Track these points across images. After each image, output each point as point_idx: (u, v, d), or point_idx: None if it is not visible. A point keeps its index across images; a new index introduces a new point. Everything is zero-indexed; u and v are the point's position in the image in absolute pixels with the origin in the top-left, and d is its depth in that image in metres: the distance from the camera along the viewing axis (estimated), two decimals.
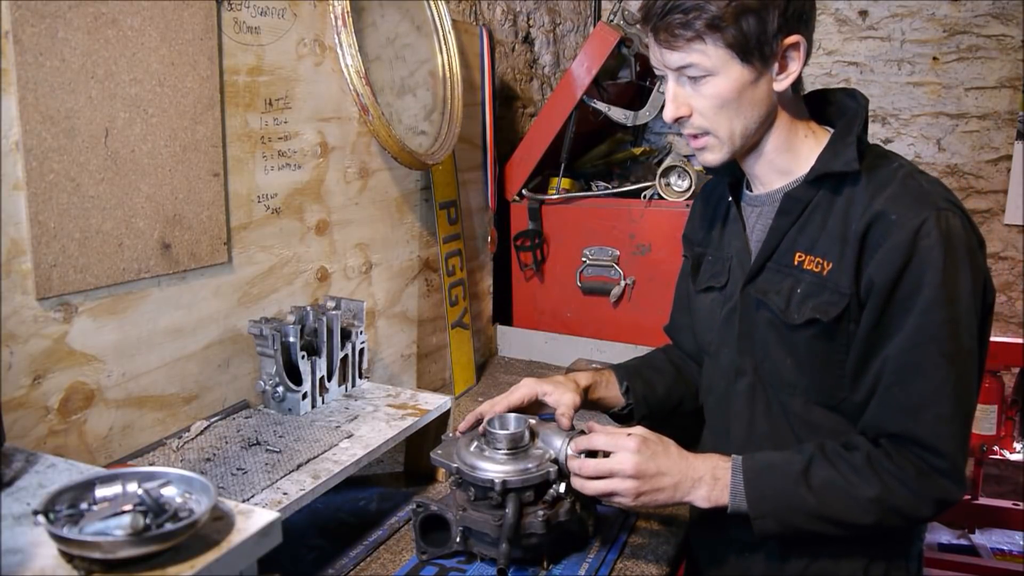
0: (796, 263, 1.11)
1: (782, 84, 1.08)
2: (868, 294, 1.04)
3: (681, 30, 1.04)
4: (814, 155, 1.13)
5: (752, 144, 1.14)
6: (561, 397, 1.26)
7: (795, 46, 1.06)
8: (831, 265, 1.07)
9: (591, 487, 1.11)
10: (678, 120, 1.11)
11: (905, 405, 1.03)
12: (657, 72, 1.14)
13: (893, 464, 1.04)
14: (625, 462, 1.08)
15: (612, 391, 1.37)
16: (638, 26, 1.13)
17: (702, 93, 1.08)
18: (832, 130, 1.16)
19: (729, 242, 1.24)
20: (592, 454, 1.13)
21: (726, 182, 1.27)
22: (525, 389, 1.27)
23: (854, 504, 1.04)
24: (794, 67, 1.07)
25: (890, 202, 1.04)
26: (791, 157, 1.15)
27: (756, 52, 1.04)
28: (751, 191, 1.22)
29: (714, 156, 1.14)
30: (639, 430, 1.12)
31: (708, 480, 1.09)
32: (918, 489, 1.03)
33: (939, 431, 1.02)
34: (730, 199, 1.25)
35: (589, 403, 1.34)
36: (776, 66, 1.06)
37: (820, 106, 1.19)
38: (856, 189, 1.08)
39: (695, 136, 1.13)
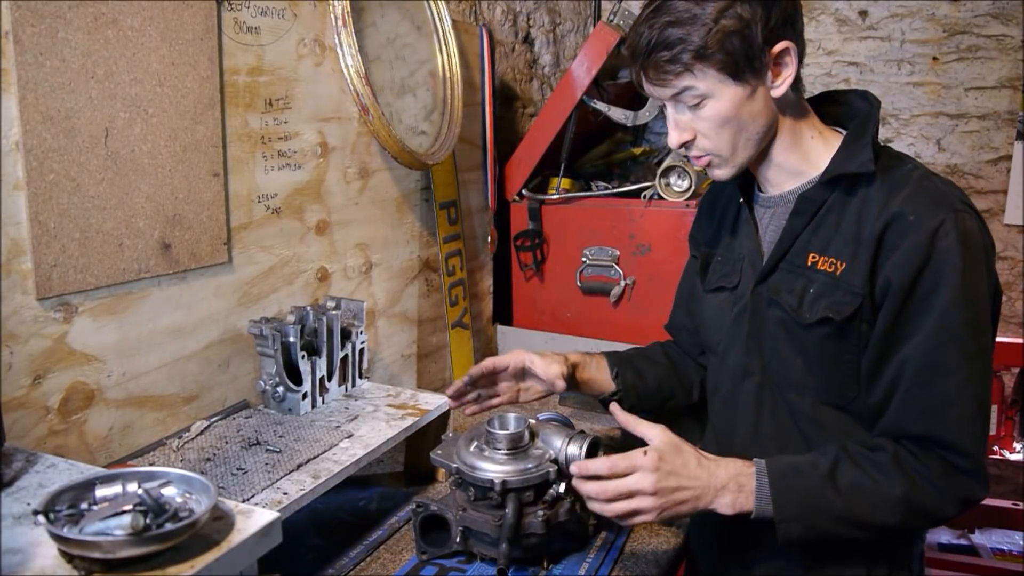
0: (809, 263, 1.11)
1: (779, 90, 1.07)
2: (885, 295, 1.04)
3: (669, 66, 1.04)
4: (824, 156, 1.13)
5: (759, 152, 1.14)
6: (547, 368, 1.28)
7: (785, 51, 1.05)
8: (844, 265, 1.07)
9: (612, 509, 1.07)
10: (683, 145, 1.12)
11: (927, 406, 1.03)
12: (655, 100, 1.14)
13: (919, 463, 1.03)
14: (644, 481, 1.04)
15: (602, 374, 1.37)
16: (628, 64, 1.14)
17: (701, 116, 1.08)
18: (840, 130, 1.16)
19: (740, 243, 1.24)
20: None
21: (735, 183, 1.26)
22: (513, 356, 1.30)
23: (881, 504, 1.03)
24: (788, 72, 1.06)
25: (907, 203, 1.03)
26: (799, 158, 1.14)
27: (747, 69, 1.04)
28: (763, 192, 1.22)
29: (723, 172, 1.14)
30: (657, 439, 1.09)
31: (732, 488, 1.06)
32: (943, 488, 1.02)
33: (963, 431, 1.02)
34: (741, 200, 1.24)
35: (576, 382, 1.34)
36: (769, 74, 1.06)
37: (828, 107, 1.19)
38: (870, 190, 1.08)
39: (699, 157, 1.13)
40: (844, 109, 1.18)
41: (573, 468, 1.13)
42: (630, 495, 1.05)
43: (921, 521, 1.06)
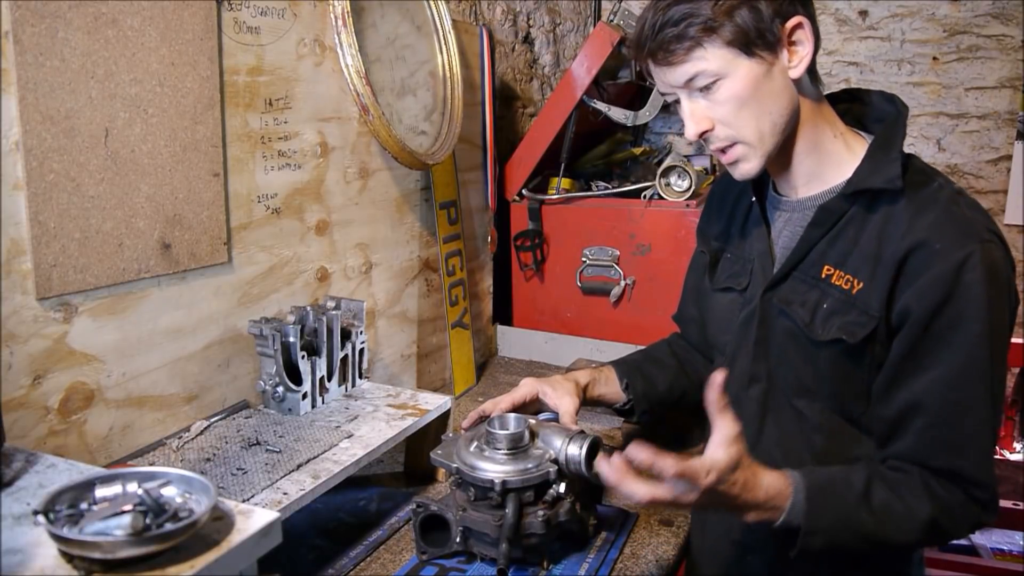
0: (824, 276, 1.08)
1: (797, 70, 1.04)
2: (903, 321, 1.01)
3: (677, 43, 1.01)
4: (846, 162, 1.09)
5: (783, 142, 1.09)
6: (560, 401, 1.26)
7: (799, 27, 1.02)
8: (861, 285, 1.04)
9: (661, 492, 0.92)
10: (703, 136, 1.07)
11: (951, 442, 1.01)
12: (667, 97, 1.10)
13: (944, 490, 1.02)
14: (691, 494, 0.92)
15: (612, 387, 1.37)
16: (634, 58, 1.10)
17: (717, 100, 1.04)
18: (861, 133, 1.13)
19: (751, 243, 1.20)
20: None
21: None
22: (526, 388, 1.29)
23: (907, 526, 1.01)
24: (804, 50, 1.03)
25: (934, 230, 0.99)
26: (819, 160, 1.11)
27: (759, 42, 1.01)
28: (778, 193, 1.19)
29: (750, 165, 1.08)
30: (720, 452, 0.95)
31: (767, 508, 0.99)
32: (963, 514, 1.02)
33: (983, 465, 1.01)
34: (753, 199, 1.21)
35: (588, 400, 1.34)
36: (785, 53, 1.03)
37: (848, 105, 1.16)
38: (895, 208, 1.03)
39: (724, 150, 1.08)
40: (868, 110, 1.15)
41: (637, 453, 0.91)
42: (695, 478, 0.91)
43: (937, 542, 1.06)
